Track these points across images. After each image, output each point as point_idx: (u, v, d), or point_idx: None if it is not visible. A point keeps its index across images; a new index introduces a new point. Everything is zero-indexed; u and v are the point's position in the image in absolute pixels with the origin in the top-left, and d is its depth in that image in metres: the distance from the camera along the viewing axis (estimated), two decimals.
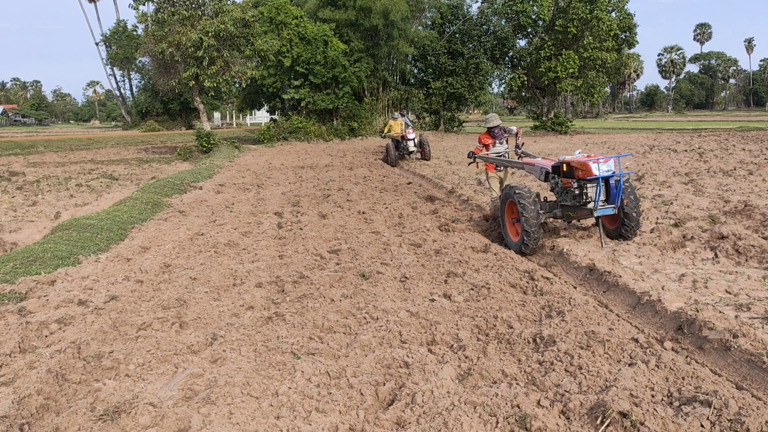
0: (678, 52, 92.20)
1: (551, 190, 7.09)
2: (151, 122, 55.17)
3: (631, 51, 40.13)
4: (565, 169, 6.67)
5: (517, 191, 6.70)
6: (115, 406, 3.38)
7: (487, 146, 8.84)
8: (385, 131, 19.58)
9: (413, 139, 18.65)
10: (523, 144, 9.05)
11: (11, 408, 3.35)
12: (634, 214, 6.55)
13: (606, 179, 6.34)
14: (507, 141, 8.92)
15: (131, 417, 3.28)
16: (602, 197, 6.39)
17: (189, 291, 5.66)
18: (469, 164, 9.44)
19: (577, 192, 6.46)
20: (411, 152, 18.68)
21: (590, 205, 6.44)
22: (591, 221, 7.42)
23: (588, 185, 6.39)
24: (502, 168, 8.71)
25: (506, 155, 8.79)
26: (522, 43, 36.93)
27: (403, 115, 20.03)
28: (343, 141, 30.61)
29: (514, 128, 8.95)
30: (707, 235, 6.70)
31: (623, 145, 22.18)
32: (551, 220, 7.37)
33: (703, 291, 5.02)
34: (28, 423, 3.27)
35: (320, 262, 6.70)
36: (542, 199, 7.18)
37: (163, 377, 3.86)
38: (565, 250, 6.37)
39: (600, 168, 6.20)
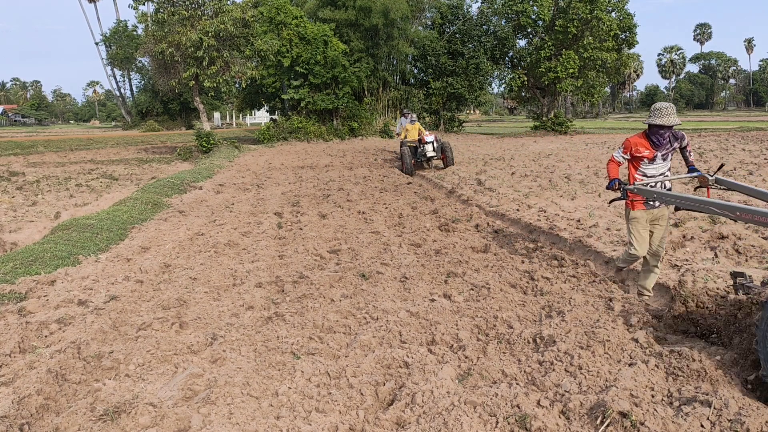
0: (678, 52, 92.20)
1: None
2: (151, 122, 55.14)
3: (631, 51, 40.04)
4: None
5: None
6: (115, 406, 3.38)
7: (637, 161, 5.00)
8: (402, 136, 16.87)
9: (432, 142, 15.89)
10: (715, 167, 5.13)
11: (11, 408, 3.35)
12: None
13: None
14: (671, 156, 5.10)
15: (131, 417, 3.28)
16: None
17: (189, 291, 5.66)
18: (611, 202, 5.48)
19: None
20: (430, 158, 15.99)
21: None
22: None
23: None
24: (657, 204, 4.98)
25: (666, 182, 5.04)
26: (522, 43, 36.96)
27: (404, 115, 17.55)
28: (343, 141, 30.60)
29: (684, 135, 5.16)
30: (707, 235, 6.71)
31: None
32: None
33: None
34: (28, 423, 3.27)
35: (320, 262, 6.70)
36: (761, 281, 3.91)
37: (163, 377, 3.86)
38: None
39: None
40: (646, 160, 4.96)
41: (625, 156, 5.03)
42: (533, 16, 33.99)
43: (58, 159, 23.45)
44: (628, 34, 34.05)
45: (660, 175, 5.00)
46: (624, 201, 4.99)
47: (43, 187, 14.28)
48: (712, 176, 4.86)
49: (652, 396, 3.24)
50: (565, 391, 3.34)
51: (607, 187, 5.03)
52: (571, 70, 32.58)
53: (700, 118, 55.02)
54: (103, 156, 24.97)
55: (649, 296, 5.12)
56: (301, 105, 31.18)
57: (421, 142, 15.99)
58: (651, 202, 4.94)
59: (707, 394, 3.11)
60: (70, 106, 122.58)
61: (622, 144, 5.07)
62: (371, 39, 33.36)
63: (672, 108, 4.83)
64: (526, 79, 35.30)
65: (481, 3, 36.69)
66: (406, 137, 16.47)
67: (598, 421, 3.00)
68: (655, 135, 4.89)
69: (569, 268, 5.97)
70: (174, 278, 6.15)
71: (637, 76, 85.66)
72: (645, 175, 4.98)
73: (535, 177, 13.18)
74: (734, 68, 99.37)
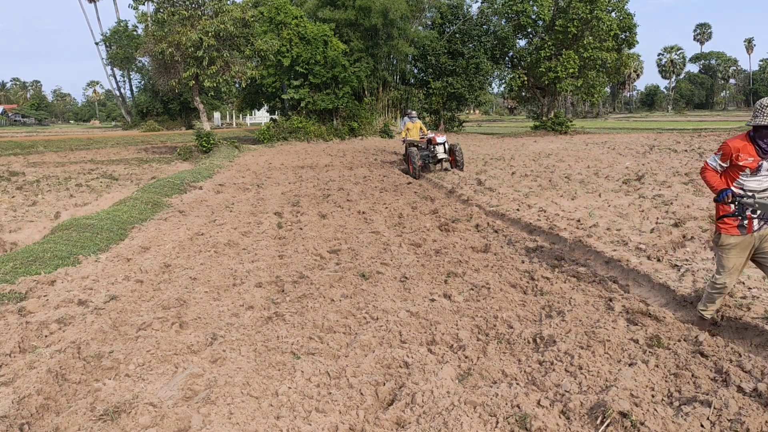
0: (678, 52, 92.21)
1: None
2: (151, 122, 55.20)
3: (631, 51, 40.05)
4: None
5: None
6: (115, 406, 3.38)
7: (735, 171, 4.06)
8: (402, 135, 16.30)
9: (443, 143, 15.10)
10: None
11: (11, 408, 3.35)
12: None
13: None
14: None
15: (131, 417, 3.28)
16: None
17: (189, 291, 5.66)
18: (719, 219, 4.12)
19: None
20: (441, 160, 15.10)
21: None
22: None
23: None
24: (756, 227, 4.04)
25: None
26: (522, 43, 36.98)
27: (408, 114, 16.88)
28: (343, 141, 30.60)
29: None
30: (707, 235, 6.70)
31: (623, 145, 22.18)
32: None
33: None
34: (28, 423, 3.27)
35: (320, 262, 6.70)
36: None
37: (163, 377, 3.86)
38: None
39: None
40: (747, 170, 3.96)
41: (724, 164, 4.05)
42: (533, 16, 34.00)
43: (58, 159, 23.45)
44: (628, 34, 34.06)
45: (763, 191, 3.99)
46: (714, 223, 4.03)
47: (43, 187, 14.27)
48: None
49: (652, 396, 3.24)
50: (566, 391, 3.34)
51: (716, 200, 4.00)
52: (571, 70, 32.59)
53: (700, 118, 55.04)
54: (103, 156, 24.97)
55: None
56: (301, 105, 31.20)
57: (431, 142, 15.18)
58: (746, 225, 4.02)
59: (707, 394, 3.11)
60: (70, 106, 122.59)
61: (720, 149, 4.06)
62: (371, 39, 33.39)
63: None
64: (526, 79, 35.31)
65: (481, 3, 36.73)
66: (407, 136, 16.22)
67: (598, 421, 3.00)
68: (763, 139, 3.90)
69: (569, 268, 5.97)
70: (174, 278, 6.15)
71: (637, 76, 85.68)
72: (743, 189, 4.00)
73: (535, 177, 13.18)
74: (734, 68, 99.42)
